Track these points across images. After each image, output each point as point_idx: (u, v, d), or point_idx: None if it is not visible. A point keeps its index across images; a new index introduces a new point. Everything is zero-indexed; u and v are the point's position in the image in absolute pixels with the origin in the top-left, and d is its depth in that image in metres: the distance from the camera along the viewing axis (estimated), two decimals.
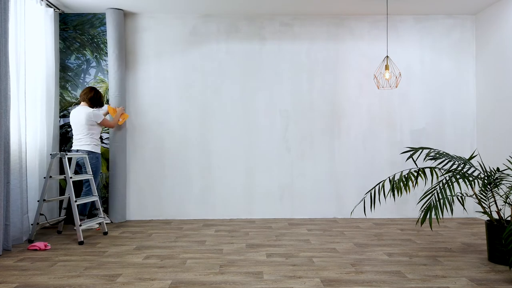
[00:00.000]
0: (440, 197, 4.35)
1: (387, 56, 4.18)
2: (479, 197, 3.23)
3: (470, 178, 3.02)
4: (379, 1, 4.51)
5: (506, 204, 3.14)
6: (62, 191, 4.68)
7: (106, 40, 4.75)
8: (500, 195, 3.03)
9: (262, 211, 4.91)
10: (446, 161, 4.85)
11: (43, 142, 4.26)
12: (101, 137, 4.79)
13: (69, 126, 4.75)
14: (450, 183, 3.04)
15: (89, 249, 3.48)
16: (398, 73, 4.84)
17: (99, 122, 4.25)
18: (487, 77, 4.74)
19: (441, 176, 3.25)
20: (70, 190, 3.74)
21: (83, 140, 4.21)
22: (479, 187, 3.17)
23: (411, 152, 4.26)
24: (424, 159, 3.02)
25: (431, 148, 3.39)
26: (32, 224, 3.82)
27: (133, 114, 4.88)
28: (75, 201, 3.72)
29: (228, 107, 4.91)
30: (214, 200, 4.89)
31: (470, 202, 4.99)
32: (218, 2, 4.49)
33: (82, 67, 4.82)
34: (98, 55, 4.83)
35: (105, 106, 4.70)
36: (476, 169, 3.24)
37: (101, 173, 4.77)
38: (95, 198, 4.05)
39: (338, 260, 3.11)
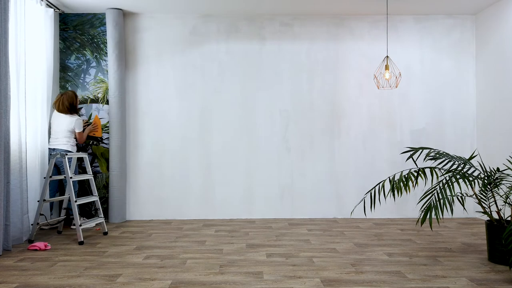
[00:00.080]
0: (440, 197, 4.36)
1: (387, 56, 4.18)
2: (479, 197, 3.23)
3: (470, 178, 3.03)
4: (379, 1, 4.51)
5: (506, 204, 3.14)
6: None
7: (106, 40, 4.75)
8: (500, 195, 3.03)
9: (262, 211, 4.90)
10: (446, 161, 4.85)
11: (43, 142, 4.26)
12: (101, 137, 4.79)
13: None
14: (450, 183, 3.04)
15: (89, 249, 3.48)
16: (398, 73, 4.84)
17: (79, 131, 4.36)
18: (487, 77, 4.74)
19: (441, 176, 3.25)
20: (70, 190, 3.74)
21: (60, 140, 4.29)
22: (479, 187, 3.17)
23: (411, 152, 4.26)
24: (424, 159, 3.02)
25: (431, 148, 3.39)
26: (32, 224, 3.82)
27: (133, 114, 4.88)
28: (75, 201, 3.73)
29: (228, 107, 4.91)
30: (214, 200, 4.89)
31: (470, 202, 4.99)
32: (218, 2, 4.49)
33: (82, 67, 4.82)
34: (98, 55, 4.83)
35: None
36: (476, 169, 3.24)
37: (100, 173, 4.78)
38: (95, 198, 4.05)
39: (338, 260, 3.11)
